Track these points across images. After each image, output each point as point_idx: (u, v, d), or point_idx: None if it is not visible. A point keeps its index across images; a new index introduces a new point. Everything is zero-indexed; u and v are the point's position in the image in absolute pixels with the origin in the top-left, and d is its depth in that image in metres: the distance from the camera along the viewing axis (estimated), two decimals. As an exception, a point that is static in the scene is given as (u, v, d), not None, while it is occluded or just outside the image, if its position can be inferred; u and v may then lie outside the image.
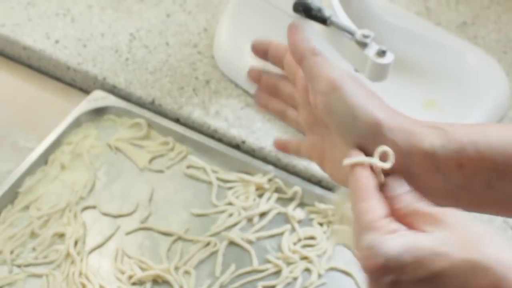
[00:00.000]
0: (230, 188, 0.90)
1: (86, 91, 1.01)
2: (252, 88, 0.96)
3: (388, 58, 0.74)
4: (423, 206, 0.48)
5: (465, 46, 1.00)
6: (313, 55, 0.57)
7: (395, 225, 0.48)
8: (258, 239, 0.85)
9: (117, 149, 0.94)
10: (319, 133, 0.60)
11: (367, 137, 0.52)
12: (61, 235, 0.85)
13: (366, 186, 0.50)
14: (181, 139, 0.94)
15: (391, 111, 0.54)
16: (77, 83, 1.03)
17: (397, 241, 0.45)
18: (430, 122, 0.53)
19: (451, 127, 0.52)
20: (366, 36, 0.73)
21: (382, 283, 0.46)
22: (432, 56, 0.99)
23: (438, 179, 0.51)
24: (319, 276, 0.82)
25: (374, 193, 0.50)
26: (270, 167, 0.90)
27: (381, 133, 0.51)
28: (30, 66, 1.06)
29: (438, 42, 0.99)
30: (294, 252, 0.84)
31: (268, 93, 0.68)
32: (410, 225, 0.48)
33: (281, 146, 0.69)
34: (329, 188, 0.88)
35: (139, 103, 0.98)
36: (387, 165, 0.51)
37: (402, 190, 0.50)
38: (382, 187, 0.51)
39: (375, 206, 0.49)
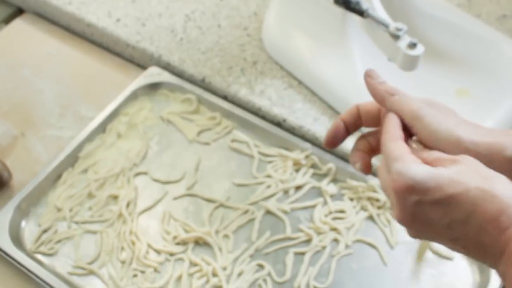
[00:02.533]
0: (270, 162, 0.96)
1: (143, 67, 1.08)
2: (295, 70, 1.02)
3: (418, 50, 0.79)
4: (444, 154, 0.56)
5: (502, 38, 1.01)
6: (391, 96, 0.62)
7: (419, 160, 0.56)
8: (293, 209, 0.91)
9: (169, 121, 1.01)
10: None
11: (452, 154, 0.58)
12: (115, 197, 0.92)
13: (396, 131, 0.59)
14: (228, 115, 1.01)
15: (470, 125, 0.59)
16: (135, 59, 1.10)
17: (422, 169, 0.54)
18: (508, 130, 0.59)
19: None
20: (399, 29, 0.79)
21: (408, 203, 0.55)
22: (468, 47, 1.01)
23: None
24: (346, 246, 0.88)
25: (401, 138, 0.59)
26: (307, 145, 0.96)
27: (464, 148, 0.57)
28: (93, 42, 1.14)
29: (476, 33, 1.01)
30: (324, 223, 0.89)
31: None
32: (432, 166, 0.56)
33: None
34: (361, 167, 0.94)
35: (191, 80, 1.04)
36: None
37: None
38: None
39: (403, 145, 0.58)
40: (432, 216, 0.54)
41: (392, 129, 0.59)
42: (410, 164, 0.55)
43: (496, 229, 0.52)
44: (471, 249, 0.55)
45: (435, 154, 0.57)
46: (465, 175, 0.53)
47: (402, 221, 0.56)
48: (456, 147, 0.57)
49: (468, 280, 0.85)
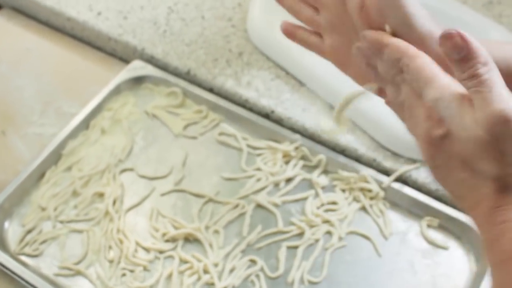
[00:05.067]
0: (259, 154, 0.94)
1: (125, 60, 1.06)
2: (282, 60, 1.00)
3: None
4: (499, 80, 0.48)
5: (488, 24, 1.01)
6: None
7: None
8: (284, 202, 0.90)
9: (154, 116, 0.99)
10: (345, 36, 0.59)
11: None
12: (101, 195, 0.90)
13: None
14: (214, 107, 0.99)
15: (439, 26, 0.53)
16: (117, 53, 1.08)
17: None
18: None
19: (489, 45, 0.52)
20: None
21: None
22: None
23: None
24: (340, 238, 0.86)
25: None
26: (297, 136, 0.94)
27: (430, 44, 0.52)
28: (74, 37, 1.12)
29: (462, 19, 1.00)
30: (316, 215, 0.88)
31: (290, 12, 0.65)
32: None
33: (289, 31, 0.66)
34: (352, 157, 0.92)
35: (175, 73, 1.02)
36: None
37: None
38: None
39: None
40: None
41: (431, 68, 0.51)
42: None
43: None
44: None
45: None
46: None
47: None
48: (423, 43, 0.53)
49: (464, 269, 0.84)
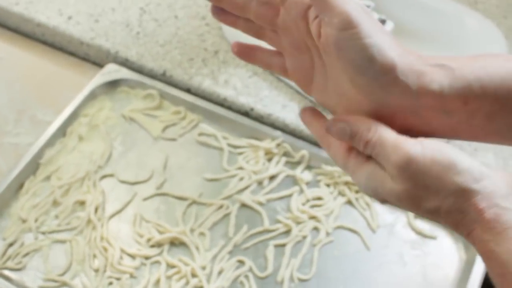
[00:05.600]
0: (240, 153, 0.93)
1: (99, 64, 1.04)
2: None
3: (388, 27, 0.77)
4: (384, 147, 0.50)
5: (464, 11, 1.01)
6: None
7: (360, 159, 0.51)
8: (268, 200, 0.89)
9: (132, 119, 0.97)
10: (307, 58, 0.56)
11: (379, 79, 0.50)
12: (82, 203, 0.88)
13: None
14: (192, 108, 0.97)
15: (401, 49, 0.51)
16: (90, 57, 1.06)
17: (366, 185, 0.51)
18: (437, 58, 0.51)
19: (457, 64, 0.50)
20: (366, 6, 0.76)
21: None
22: (432, 22, 1.00)
23: (442, 116, 0.51)
24: (327, 234, 0.85)
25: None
26: (278, 133, 0.93)
27: (393, 76, 0.49)
28: (45, 43, 1.09)
29: (438, 7, 1.00)
30: (302, 212, 0.87)
31: (235, 11, 0.57)
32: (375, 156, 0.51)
33: (244, 53, 0.59)
34: (335, 151, 0.91)
35: (151, 75, 1.01)
36: None
37: (348, 132, 0.51)
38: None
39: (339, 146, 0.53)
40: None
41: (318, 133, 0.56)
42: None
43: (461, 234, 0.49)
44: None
45: (378, 133, 0.51)
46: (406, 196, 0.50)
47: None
48: (385, 74, 0.49)
49: (453, 258, 0.84)
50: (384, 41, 0.49)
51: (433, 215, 0.49)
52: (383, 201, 0.51)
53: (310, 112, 0.57)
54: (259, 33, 0.58)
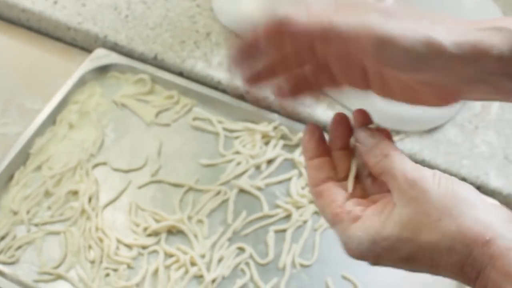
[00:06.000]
0: (237, 137, 0.91)
1: (88, 50, 1.01)
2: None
3: (387, 2, 0.75)
4: (396, 161, 0.49)
5: None
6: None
7: (357, 209, 0.49)
8: (267, 185, 0.86)
9: (123, 105, 0.95)
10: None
11: (436, 65, 0.47)
12: (75, 193, 0.85)
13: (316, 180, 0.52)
14: (185, 92, 0.95)
15: (445, 24, 0.48)
16: (78, 42, 1.03)
17: (363, 234, 0.48)
18: (490, 20, 0.49)
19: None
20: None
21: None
22: (431, 1, 0.98)
23: (508, 81, 0.49)
24: (328, 218, 0.84)
25: (328, 185, 0.52)
26: (274, 115, 0.91)
27: (448, 53, 0.47)
28: (30, 28, 1.06)
29: None
30: (302, 196, 0.85)
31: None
32: (383, 184, 0.49)
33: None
34: (333, 133, 0.89)
35: (142, 59, 0.98)
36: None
37: (372, 143, 0.51)
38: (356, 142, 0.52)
39: (332, 197, 0.51)
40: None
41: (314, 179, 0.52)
42: (349, 229, 0.49)
43: (467, 277, 0.46)
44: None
45: (384, 161, 0.50)
46: (412, 226, 0.47)
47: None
48: (437, 54, 0.47)
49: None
50: (418, 27, 0.47)
51: (433, 252, 0.46)
52: (376, 258, 0.48)
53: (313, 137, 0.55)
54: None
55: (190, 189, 0.86)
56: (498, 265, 0.44)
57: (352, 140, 0.53)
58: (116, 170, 0.88)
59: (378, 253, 0.48)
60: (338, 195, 0.51)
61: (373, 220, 0.48)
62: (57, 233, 0.82)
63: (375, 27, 0.46)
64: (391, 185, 0.48)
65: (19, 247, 0.81)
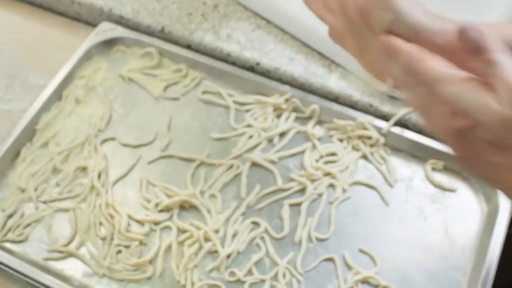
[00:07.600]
0: (248, 110, 0.89)
1: (92, 24, 0.99)
2: (261, 9, 0.94)
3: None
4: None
5: None
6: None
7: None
8: (280, 158, 0.84)
9: (130, 79, 0.92)
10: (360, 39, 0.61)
11: None
12: (84, 169, 0.84)
13: None
14: (194, 65, 0.92)
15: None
16: (82, 16, 1.01)
17: None
18: None
19: None
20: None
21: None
22: None
23: None
24: (344, 190, 0.82)
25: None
26: (286, 87, 0.89)
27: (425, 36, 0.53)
28: (33, 3, 1.04)
29: None
30: (317, 169, 0.83)
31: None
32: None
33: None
34: (346, 104, 0.87)
35: (148, 32, 0.96)
36: None
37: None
38: None
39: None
40: None
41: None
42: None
43: None
44: None
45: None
46: None
47: None
48: None
49: (475, 210, 0.80)
50: (413, 5, 0.54)
51: (508, 158, 0.48)
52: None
53: None
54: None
55: (202, 163, 0.84)
56: None
57: None
58: (125, 145, 0.86)
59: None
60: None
61: None
62: (66, 210, 0.81)
63: None
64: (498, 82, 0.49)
65: (28, 225, 0.79)
